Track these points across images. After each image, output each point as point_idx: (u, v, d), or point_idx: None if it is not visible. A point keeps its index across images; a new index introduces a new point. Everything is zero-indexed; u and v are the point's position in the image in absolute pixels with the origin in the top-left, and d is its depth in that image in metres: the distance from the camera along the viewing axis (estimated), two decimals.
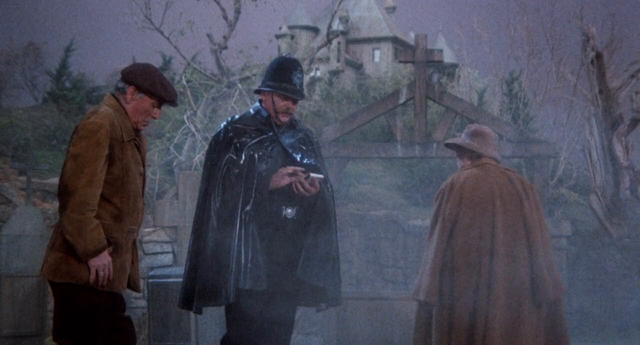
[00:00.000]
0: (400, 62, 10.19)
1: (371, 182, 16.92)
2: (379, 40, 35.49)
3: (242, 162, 3.54)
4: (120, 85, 3.30)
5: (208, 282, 3.48)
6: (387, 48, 35.80)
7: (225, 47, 14.36)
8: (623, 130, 9.90)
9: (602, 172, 9.93)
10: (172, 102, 3.36)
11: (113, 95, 3.32)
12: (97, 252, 3.11)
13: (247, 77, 14.47)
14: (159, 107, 3.32)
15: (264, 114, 3.68)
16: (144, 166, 3.36)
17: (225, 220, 3.49)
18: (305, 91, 21.48)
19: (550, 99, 15.26)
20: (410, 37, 33.91)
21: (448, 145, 3.91)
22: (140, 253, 8.85)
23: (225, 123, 3.72)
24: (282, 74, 3.64)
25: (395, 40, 36.08)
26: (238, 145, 3.58)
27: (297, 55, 20.35)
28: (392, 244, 10.83)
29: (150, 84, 3.26)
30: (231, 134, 3.62)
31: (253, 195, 3.49)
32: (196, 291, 3.52)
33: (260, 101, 3.74)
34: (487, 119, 9.72)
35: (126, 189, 3.22)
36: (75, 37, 16.86)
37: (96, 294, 3.17)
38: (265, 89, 3.67)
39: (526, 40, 15.36)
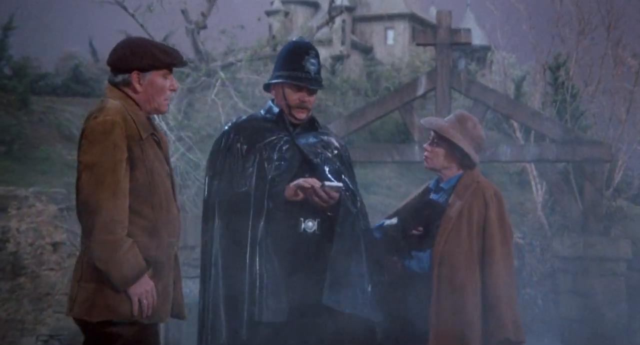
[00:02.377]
0: (419, 44, 10.17)
1: (383, 192, 16.88)
2: (392, 17, 35.55)
3: (249, 167, 3.57)
4: (119, 78, 3.30)
5: (216, 316, 3.49)
6: (403, 27, 35.87)
7: (204, 27, 14.37)
8: None
9: None
10: (182, 63, 3.39)
11: (114, 86, 3.32)
12: (136, 278, 3.13)
13: (231, 64, 14.47)
14: (170, 73, 3.34)
15: (276, 110, 3.72)
16: (169, 164, 3.39)
17: (234, 239, 3.52)
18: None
19: (605, 89, 15.22)
20: (431, 14, 33.95)
21: (448, 139, 3.84)
22: None
23: (229, 124, 3.76)
24: (292, 61, 3.67)
25: (412, 18, 36.14)
26: (244, 148, 3.61)
27: (293, 37, 20.35)
28: None
29: (151, 57, 3.28)
30: (235, 136, 3.65)
31: (265, 206, 3.51)
32: (202, 327, 3.55)
33: (272, 100, 3.78)
34: (526, 114, 9.69)
35: (156, 195, 3.23)
36: (16, 12, 16.81)
37: (132, 327, 3.18)
38: (274, 81, 3.71)
39: (575, 16, 15.32)
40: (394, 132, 17.88)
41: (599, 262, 9.53)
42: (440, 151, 3.89)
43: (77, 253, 8.63)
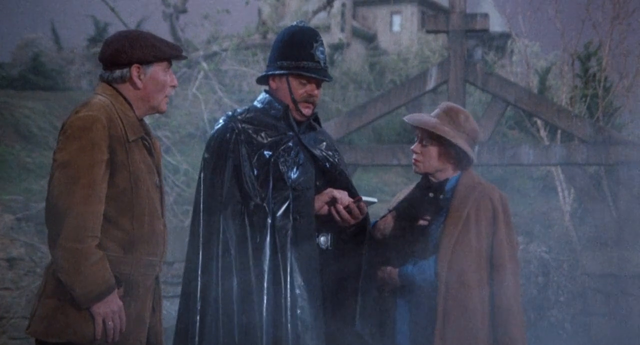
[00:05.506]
0: (429, 31, 10.17)
1: (388, 200, 16.82)
2: (399, 0, 35.62)
3: (260, 173, 3.57)
4: (117, 74, 3.36)
5: None
6: (411, 12, 35.95)
7: (184, 11, 14.40)
8: None
9: None
10: (184, 57, 3.49)
11: (107, 83, 3.38)
12: (102, 295, 3.14)
13: (215, 53, 14.48)
14: (169, 68, 3.43)
15: (279, 106, 3.71)
16: (159, 175, 3.43)
17: (253, 262, 3.50)
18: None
19: None
20: None
21: (439, 136, 3.87)
22: None
23: (224, 119, 3.74)
24: (299, 49, 3.69)
25: (422, 1, 36.23)
26: (249, 148, 3.61)
27: (285, 22, 20.39)
28: None
29: (152, 48, 3.35)
30: (236, 132, 3.64)
31: (291, 218, 3.51)
32: None
33: (267, 91, 3.78)
34: (552, 110, 9.69)
35: (137, 205, 3.27)
36: None
37: None
38: (278, 72, 3.70)
39: None
40: (400, 132, 17.89)
41: (636, 280, 9.53)
42: (433, 151, 3.90)
43: (37, 270, 8.67)
